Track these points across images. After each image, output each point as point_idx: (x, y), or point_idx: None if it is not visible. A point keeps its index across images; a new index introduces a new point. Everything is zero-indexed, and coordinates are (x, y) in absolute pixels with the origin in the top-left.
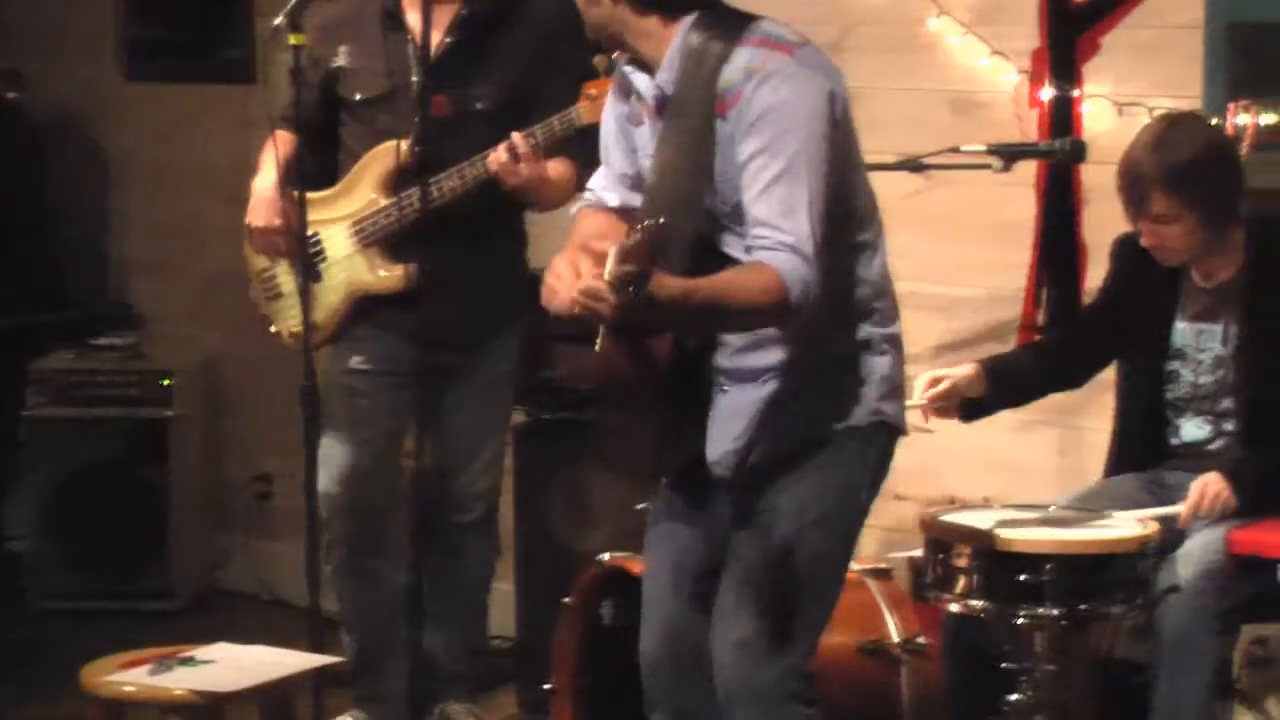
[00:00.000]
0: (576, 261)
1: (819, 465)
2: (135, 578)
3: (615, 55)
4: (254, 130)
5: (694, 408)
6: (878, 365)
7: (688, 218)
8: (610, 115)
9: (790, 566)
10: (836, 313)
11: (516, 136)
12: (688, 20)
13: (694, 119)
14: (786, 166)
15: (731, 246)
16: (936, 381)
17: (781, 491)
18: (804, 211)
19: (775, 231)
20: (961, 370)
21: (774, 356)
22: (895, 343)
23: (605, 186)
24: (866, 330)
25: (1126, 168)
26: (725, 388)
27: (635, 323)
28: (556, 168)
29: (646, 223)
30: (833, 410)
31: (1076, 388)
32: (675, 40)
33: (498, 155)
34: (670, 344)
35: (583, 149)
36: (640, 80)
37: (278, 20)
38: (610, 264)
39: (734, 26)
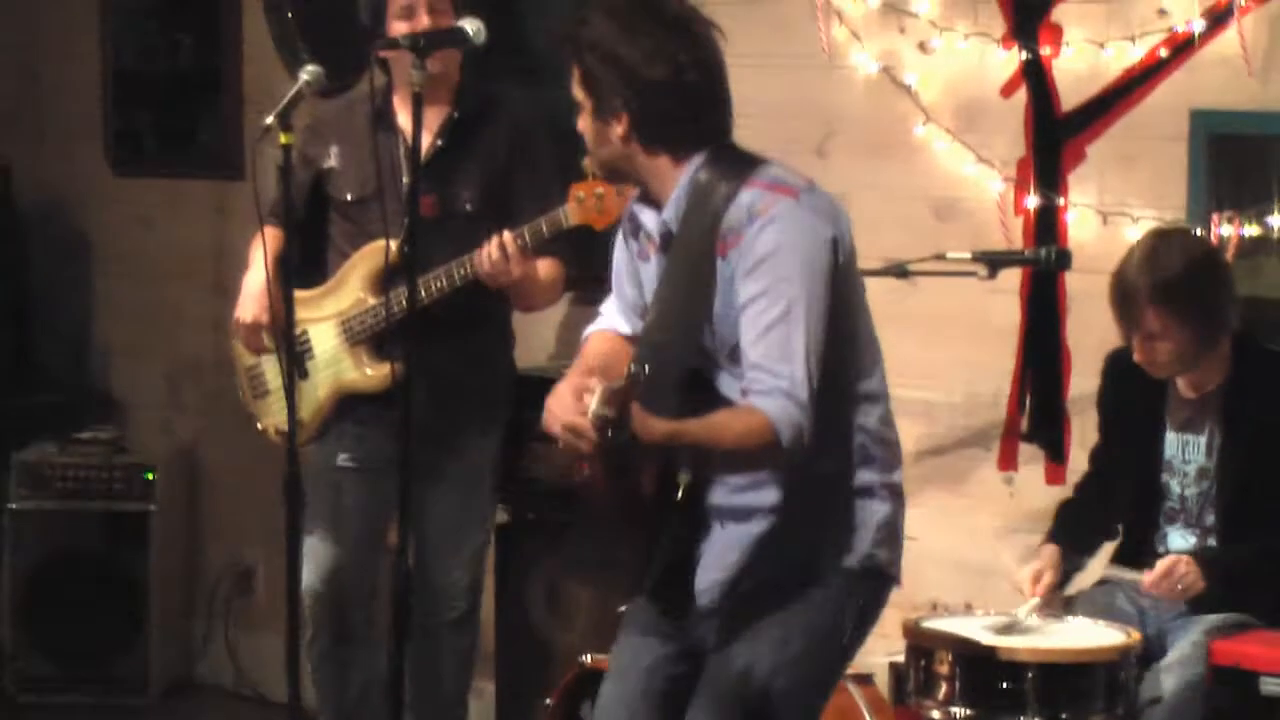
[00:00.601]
0: (580, 387)
1: (806, 603)
2: (111, 669)
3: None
4: (235, 222)
5: (683, 539)
6: (875, 511)
7: (684, 356)
8: (620, 248)
9: (762, 699)
10: (834, 460)
11: (506, 236)
12: (698, 159)
13: (695, 258)
14: (785, 311)
15: (727, 386)
16: (1039, 576)
17: (765, 624)
18: (800, 357)
19: (770, 376)
20: (1050, 557)
21: (770, 497)
22: (895, 490)
23: (617, 311)
24: (866, 477)
25: (1119, 284)
26: (723, 524)
27: (617, 461)
28: (544, 267)
29: (632, 369)
30: (826, 551)
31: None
32: (683, 178)
33: (486, 255)
34: (656, 479)
35: (569, 249)
36: (647, 216)
37: (268, 119)
38: (594, 404)
39: (741, 167)
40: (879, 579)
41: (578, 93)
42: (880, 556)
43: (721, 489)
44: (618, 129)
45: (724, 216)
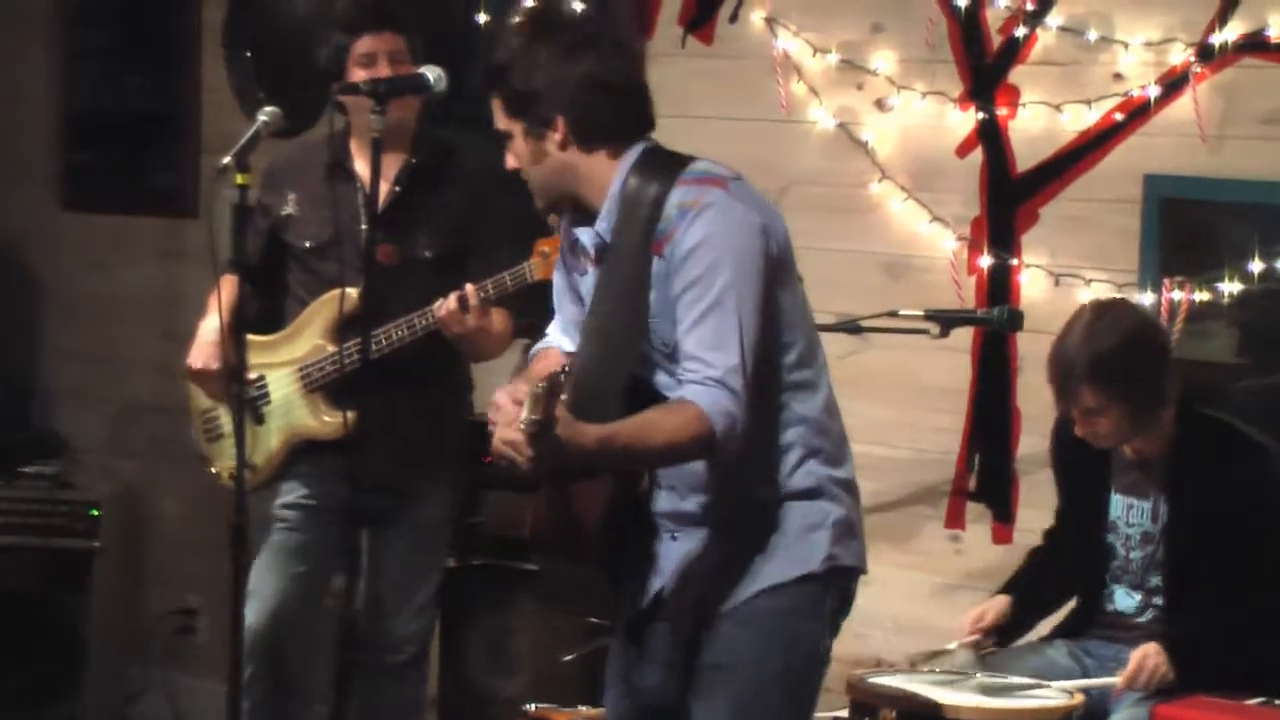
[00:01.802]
0: (514, 393)
1: (777, 616)
2: (45, 713)
3: (553, 218)
4: (186, 264)
5: (639, 555)
6: (830, 510)
7: (624, 362)
8: (559, 269)
9: (751, 716)
10: (775, 451)
11: (470, 288)
12: (628, 159)
13: (630, 262)
14: (717, 300)
15: (669, 389)
16: (980, 616)
17: (740, 644)
18: (734, 344)
19: (702, 365)
20: (998, 602)
21: (716, 499)
22: (847, 486)
23: (560, 331)
24: (815, 470)
25: (1056, 361)
26: (674, 535)
27: (554, 470)
28: (496, 319)
29: (551, 372)
30: (786, 559)
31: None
32: (614, 187)
33: (447, 304)
34: (610, 488)
35: (523, 300)
36: (583, 232)
37: (225, 160)
38: (524, 412)
39: (670, 167)
40: (845, 576)
41: (503, 124)
42: (841, 554)
43: (667, 496)
44: (555, 137)
45: (658, 217)
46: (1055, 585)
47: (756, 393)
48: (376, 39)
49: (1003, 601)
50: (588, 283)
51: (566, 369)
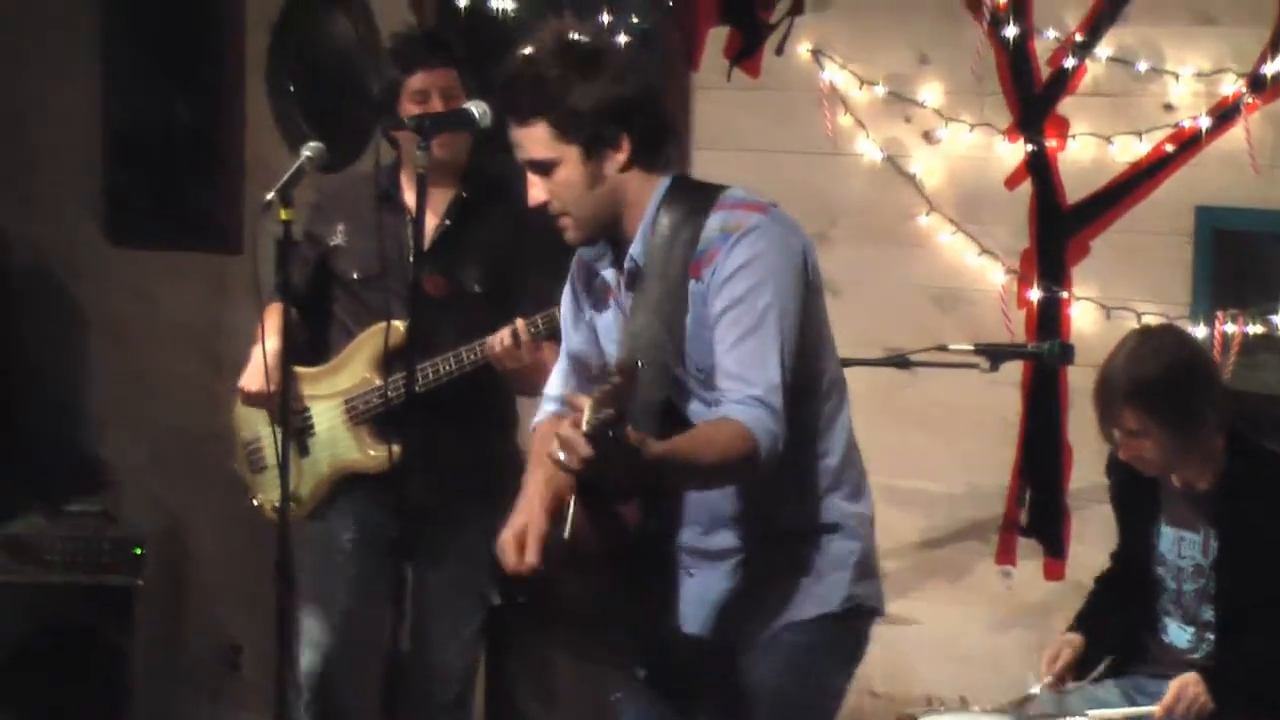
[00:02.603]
0: (536, 516)
1: (794, 654)
2: None
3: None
4: (232, 298)
5: (661, 590)
6: (850, 549)
7: (660, 384)
8: (567, 302)
9: None
10: (801, 481)
11: (521, 323)
12: (660, 189)
13: (669, 285)
14: (759, 320)
15: (699, 416)
16: (1056, 658)
17: (757, 681)
18: (774, 364)
19: (743, 385)
20: (1071, 640)
21: (737, 535)
22: (866, 522)
23: (560, 384)
24: (836, 506)
25: (1100, 382)
26: (691, 570)
27: (610, 477)
28: (549, 352)
29: (624, 365)
30: (806, 598)
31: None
32: (649, 212)
33: (499, 339)
34: (639, 516)
35: None
36: (604, 268)
37: (269, 195)
38: (587, 413)
39: (706, 193)
40: (864, 615)
41: (547, 152)
42: (862, 595)
43: (690, 531)
44: (618, 157)
45: (697, 240)
46: (1112, 621)
47: (793, 418)
48: (430, 75)
49: (1075, 640)
50: (606, 319)
51: (640, 362)
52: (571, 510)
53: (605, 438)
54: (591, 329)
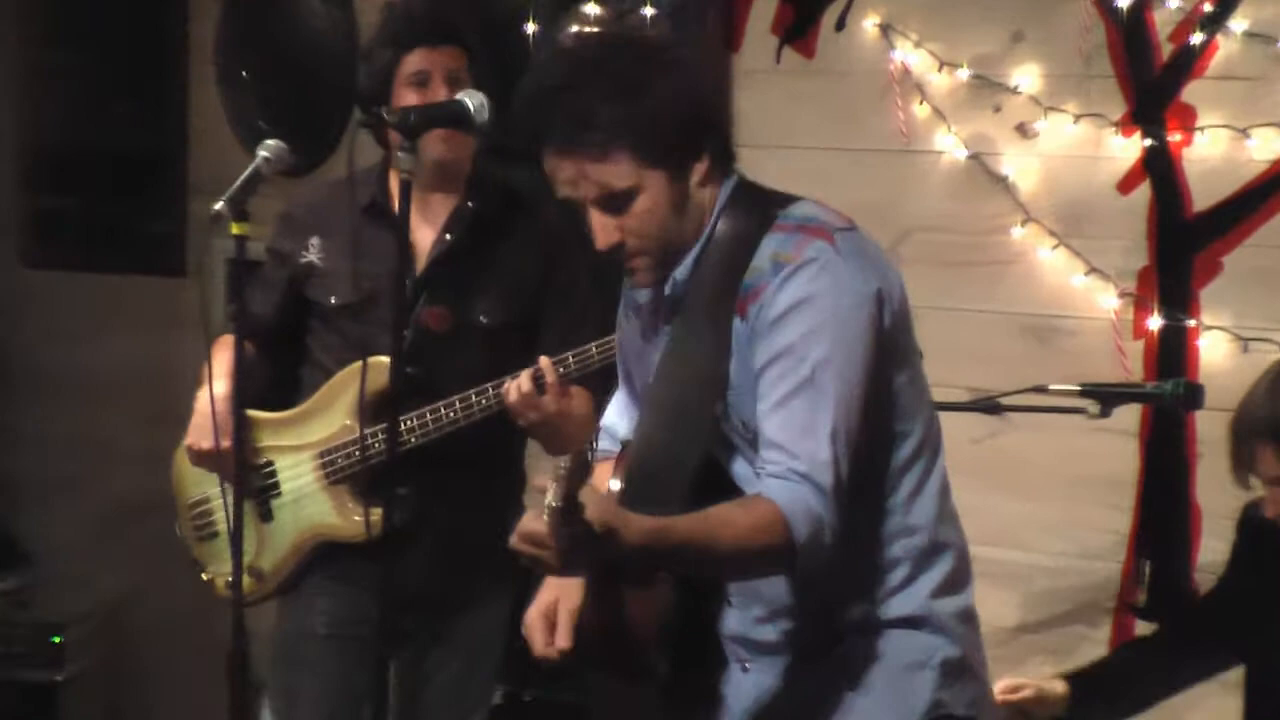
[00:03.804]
0: (570, 591)
1: None
2: None
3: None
4: (178, 331)
5: (703, 687)
6: (937, 646)
7: (692, 442)
8: (623, 327)
9: None
10: (875, 566)
11: (545, 364)
12: (720, 198)
13: (709, 321)
14: (809, 377)
15: (747, 481)
16: (1015, 688)
17: None
18: (825, 433)
19: (785, 456)
20: (1049, 684)
21: (799, 622)
22: (963, 616)
23: (617, 414)
24: (921, 594)
25: (1235, 421)
26: (746, 665)
27: (588, 567)
28: (578, 401)
29: (575, 453)
30: (880, 701)
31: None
32: (708, 225)
33: (517, 385)
34: (670, 597)
35: (604, 380)
36: (646, 295)
37: (219, 205)
38: (547, 497)
39: (765, 207)
40: None
41: (631, 179)
42: (949, 701)
43: (740, 615)
44: (700, 170)
45: (744, 268)
46: (1151, 681)
47: (854, 494)
48: (432, 54)
49: (1057, 687)
50: (657, 346)
51: (592, 444)
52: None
53: (562, 527)
54: (643, 355)
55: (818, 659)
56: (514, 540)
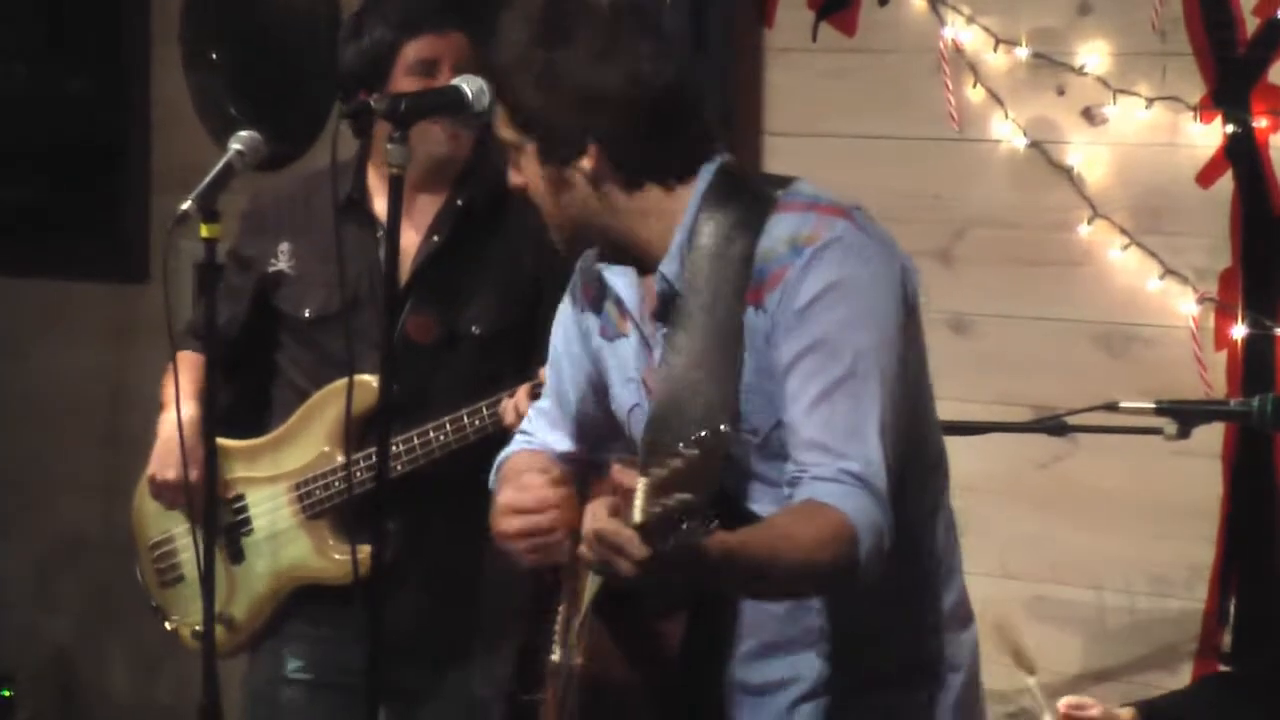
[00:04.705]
0: (553, 498)
1: None
2: None
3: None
4: (137, 345)
5: None
6: (951, 685)
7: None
8: (568, 324)
9: None
10: (908, 596)
11: (545, 373)
12: (699, 184)
13: (715, 318)
14: (850, 369)
15: (762, 501)
16: (1082, 705)
17: None
18: (874, 430)
19: (832, 457)
20: (1115, 710)
21: (805, 666)
22: (972, 651)
23: (548, 425)
24: (933, 627)
25: None
26: (742, 705)
27: (661, 584)
28: None
29: (707, 436)
30: None
31: None
32: (684, 217)
33: (515, 403)
34: (684, 631)
35: None
36: (621, 279)
37: (186, 204)
38: (640, 497)
39: (762, 192)
40: None
41: (507, 134)
42: None
43: (753, 659)
44: (584, 166)
45: (754, 253)
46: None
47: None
48: (440, 40)
49: (1123, 714)
50: (621, 351)
51: (724, 426)
52: (583, 621)
53: (670, 536)
54: (596, 360)
55: (833, 710)
56: (584, 542)
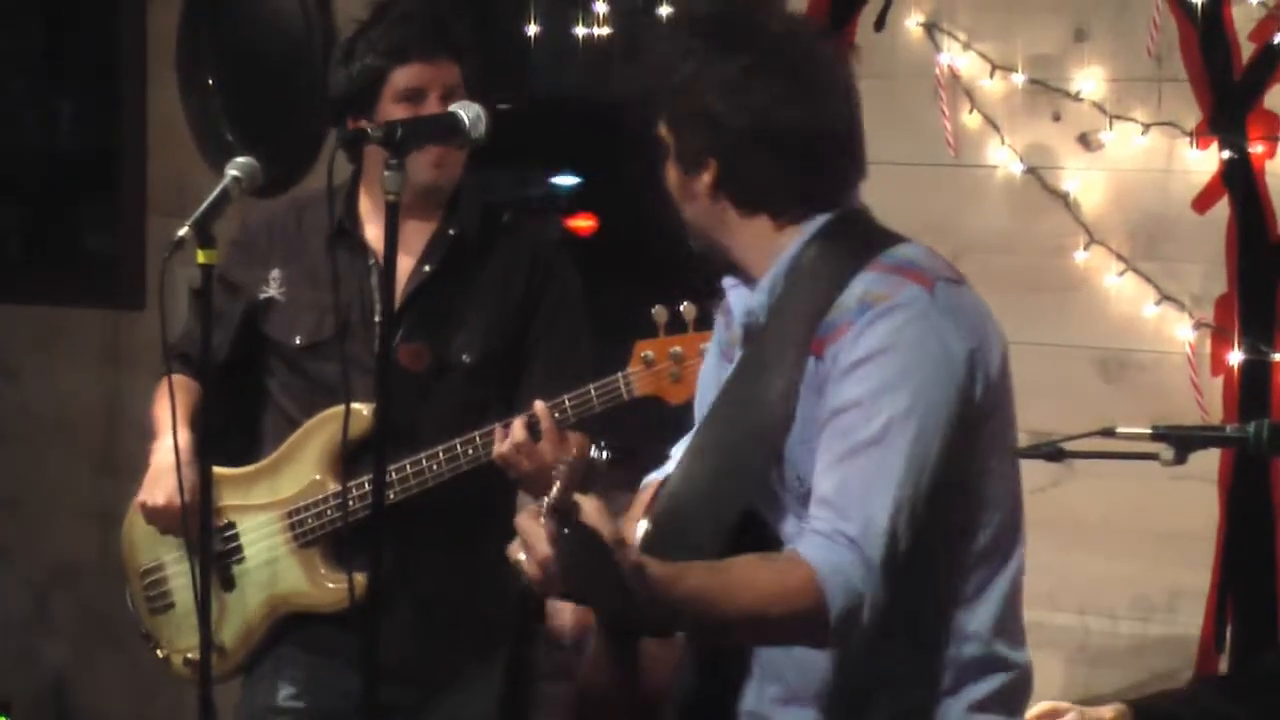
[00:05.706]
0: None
1: None
2: None
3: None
4: (132, 371)
5: None
6: None
7: (738, 490)
8: (713, 345)
9: None
10: (923, 666)
11: (541, 408)
12: (809, 226)
13: (781, 358)
14: (879, 435)
15: (797, 539)
16: (1056, 713)
17: None
18: (885, 499)
19: (835, 515)
20: (1101, 711)
21: (821, 716)
22: None
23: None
24: (962, 703)
25: None
26: None
27: (590, 599)
28: (577, 449)
29: (582, 442)
30: None
31: None
32: (786, 252)
33: (511, 435)
34: (681, 657)
35: (612, 431)
36: (739, 300)
37: (183, 230)
38: (546, 499)
39: (866, 242)
40: None
41: (661, 128)
42: None
43: (756, 692)
44: (705, 179)
45: (831, 306)
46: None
47: (907, 581)
48: (428, 68)
49: (1109, 712)
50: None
51: (602, 443)
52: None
53: (558, 536)
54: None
55: None
56: (510, 549)
